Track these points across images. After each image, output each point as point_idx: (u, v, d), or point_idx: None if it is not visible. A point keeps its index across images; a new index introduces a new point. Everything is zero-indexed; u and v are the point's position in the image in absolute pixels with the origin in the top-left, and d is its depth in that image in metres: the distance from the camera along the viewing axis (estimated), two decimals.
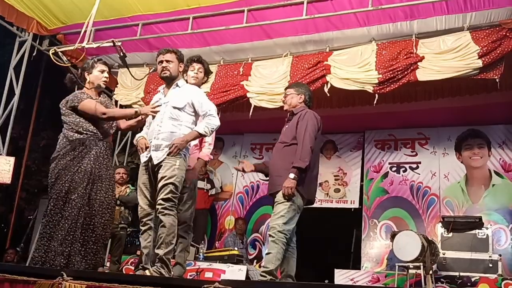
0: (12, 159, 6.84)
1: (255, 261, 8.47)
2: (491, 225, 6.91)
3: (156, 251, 3.87)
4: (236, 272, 6.46)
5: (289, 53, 6.80)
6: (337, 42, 6.57)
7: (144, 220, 4.07)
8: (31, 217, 10.83)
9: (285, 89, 4.82)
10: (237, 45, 6.94)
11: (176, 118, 4.10)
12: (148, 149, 4.10)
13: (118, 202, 6.49)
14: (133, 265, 6.79)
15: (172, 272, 4.04)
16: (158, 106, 4.18)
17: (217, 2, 6.35)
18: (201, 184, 8.22)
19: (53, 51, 4.33)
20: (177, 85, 4.23)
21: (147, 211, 4.09)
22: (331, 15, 6.06)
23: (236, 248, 7.49)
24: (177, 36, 6.93)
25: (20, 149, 9.04)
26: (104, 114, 4.22)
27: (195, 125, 4.18)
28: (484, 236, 6.38)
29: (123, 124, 4.60)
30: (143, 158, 4.14)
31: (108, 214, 4.25)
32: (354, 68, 6.26)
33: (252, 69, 6.93)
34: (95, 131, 4.27)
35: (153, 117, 4.19)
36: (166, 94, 4.25)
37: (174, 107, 4.12)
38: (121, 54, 4.16)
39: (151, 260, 4.00)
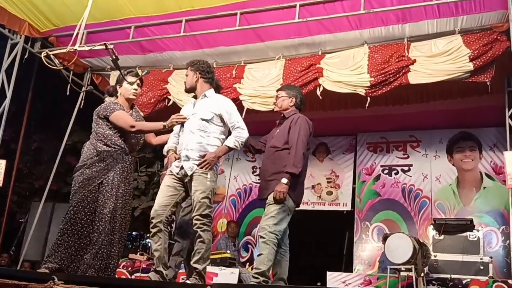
0: (3, 162, 6.81)
1: (248, 264, 8.46)
2: (482, 227, 6.97)
3: (194, 265, 3.92)
4: (229, 275, 6.45)
5: (282, 56, 6.82)
6: (329, 45, 6.59)
7: (154, 221, 4.03)
8: (23, 220, 10.79)
9: (277, 91, 4.81)
10: (230, 47, 6.95)
11: (204, 129, 4.14)
12: (178, 159, 4.16)
13: None
14: (125, 268, 6.77)
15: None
16: (182, 117, 4.23)
17: (210, 5, 6.35)
18: None
19: (45, 54, 4.30)
20: (205, 96, 4.29)
21: (158, 212, 4.05)
22: (323, 18, 6.08)
23: (228, 251, 7.49)
24: (170, 38, 6.93)
25: (12, 152, 8.99)
26: (133, 127, 4.20)
27: (224, 135, 4.22)
28: (475, 239, 6.41)
29: (154, 139, 4.60)
30: (175, 168, 4.15)
31: (126, 229, 4.27)
32: (346, 71, 6.29)
33: (245, 71, 6.94)
34: (122, 145, 4.26)
35: (182, 125, 4.26)
36: (194, 105, 4.32)
37: (202, 119, 4.16)
38: (113, 57, 4.13)
39: (162, 262, 4.01)
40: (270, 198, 4.18)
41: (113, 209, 4.12)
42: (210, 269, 6.35)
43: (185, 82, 4.41)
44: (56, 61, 4.28)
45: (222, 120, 4.20)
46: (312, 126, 4.42)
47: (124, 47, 7.09)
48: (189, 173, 4.05)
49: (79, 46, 4.35)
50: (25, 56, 7.33)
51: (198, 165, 4.02)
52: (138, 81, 4.41)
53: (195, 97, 4.38)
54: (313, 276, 7.49)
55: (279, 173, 4.19)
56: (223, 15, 6.38)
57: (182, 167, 4.10)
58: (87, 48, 4.35)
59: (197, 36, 6.75)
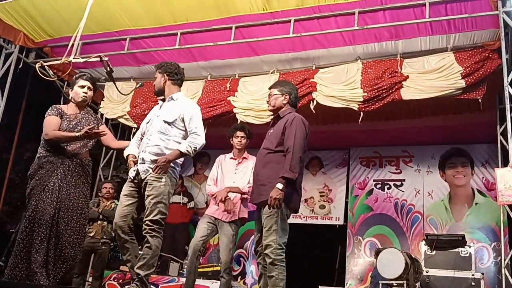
0: None
1: (239, 277, 8.43)
2: (474, 243, 6.96)
3: (137, 270, 3.79)
4: None
5: (276, 70, 6.85)
6: (323, 60, 6.64)
7: (118, 234, 4.02)
8: (13, 230, 10.67)
9: (269, 88, 4.49)
10: (225, 61, 6.99)
11: (164, 132, 4.06)
12: (136, 164, 4.08)
13: (101, 216, 6.44)
14: (115, 280, 6.72)
15: None
16: (92, 128, 4.14)
17: (205, 19, 6.38)
18: (177, 198, 8.19)
19: (40, 65, 4.30)
20: (172, 98, 4.21)
21: (119, 224, 4.00)
22: (317, 33, 6.13)
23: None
24: (165, 51, 6.95)
25: (4, 162, 8.94)
26: (47, 135, 4.17)
27: (185, 140, 4.09)
28: (467, 255, 6.41)
29: (114, 143, 4.55)
30: (132, 172, 4.08)
31: (76, 233, 4.15)
32: (339, 86, 6.32)
33: (239, 85, 6.96)
34: (61, 149, 4.21)
35: (144, 130, 4.22)
36: (161, 107, 4.26)
37: (165, 121, 4.08)
38: (108, 69, 4.15)
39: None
40: (266, 209, 3.92)
41: (54, 214, 4.03)
42: (201, 282, 6.33)
43: (154, 85, 4.33)
44: (51, 72, 4.28)
45: (184, 124, 4.09)
46: (308, 127, 4.18)
47: (119, 59, 7.10)
48: (143, 176, 3.97)
49: (74, 58, 4.35)
50: (19, 66, 7.31)
51: (153, 170, 3.93)
52: (89, 85, 4.35)
53: (164, 100, 4.29)
54: None
55: (272, 178, 3.96)
56: (218, 29, 6.42)
57: (138, 172, 4.04)
58: (81, 60, 4.35)
59: (192, 49, 6.79)
